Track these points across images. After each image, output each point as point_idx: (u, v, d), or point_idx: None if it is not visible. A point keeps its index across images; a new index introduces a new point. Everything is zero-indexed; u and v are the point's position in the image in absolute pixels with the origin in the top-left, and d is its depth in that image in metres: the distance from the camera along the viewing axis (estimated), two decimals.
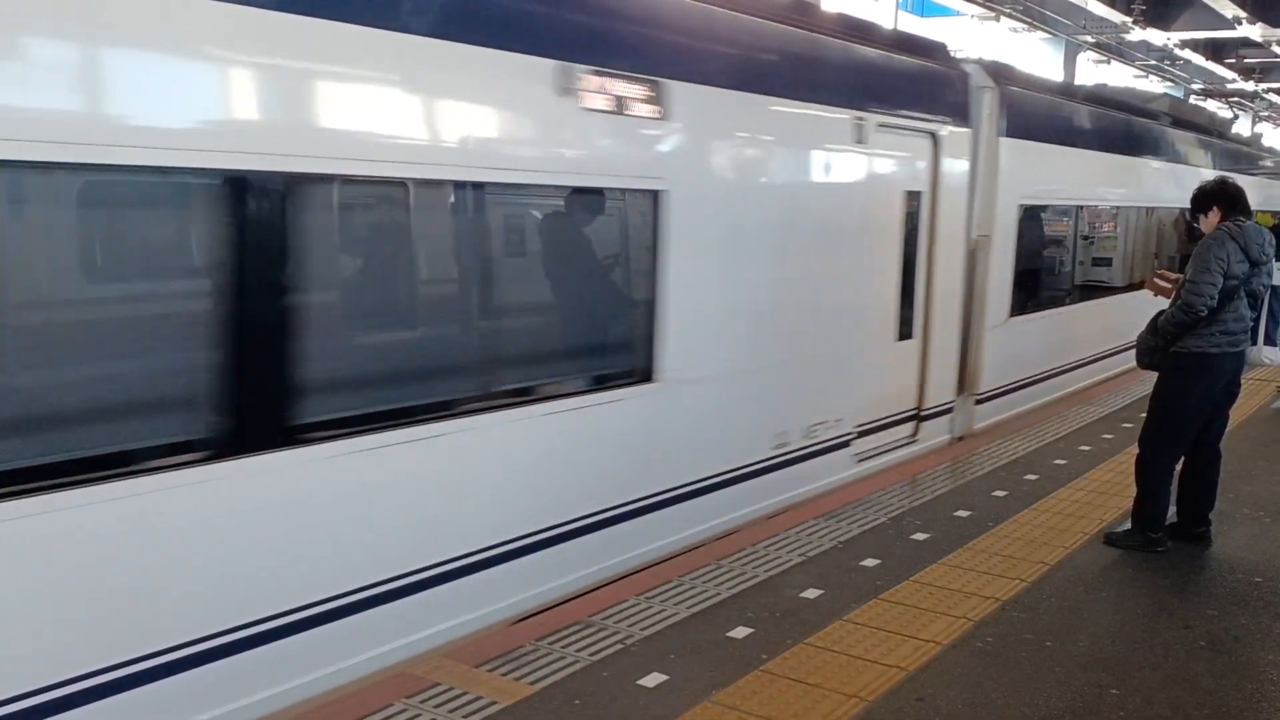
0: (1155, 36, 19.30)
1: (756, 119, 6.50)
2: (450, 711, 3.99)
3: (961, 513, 6.56)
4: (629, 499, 5.83)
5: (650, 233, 5.82)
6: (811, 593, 5.21)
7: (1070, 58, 21.54)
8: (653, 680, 4.26)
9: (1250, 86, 25.58)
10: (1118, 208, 12.91)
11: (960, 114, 8.68)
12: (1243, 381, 6.29)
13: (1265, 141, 26.15)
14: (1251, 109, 30.16)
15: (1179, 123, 14.58)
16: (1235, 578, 5.68)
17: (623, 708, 4.06)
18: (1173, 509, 6.16)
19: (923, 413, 8.56)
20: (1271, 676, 4.52)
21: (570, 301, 5.95)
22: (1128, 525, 6.14)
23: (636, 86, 5.53)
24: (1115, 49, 21.52)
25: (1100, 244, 12.85)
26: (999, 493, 7.03)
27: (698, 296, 6.12)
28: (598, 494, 5.67)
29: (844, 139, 7.20)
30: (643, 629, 4.74)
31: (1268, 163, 19.89)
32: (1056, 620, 4.99)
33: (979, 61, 9.44)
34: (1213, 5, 17.19)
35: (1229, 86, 23.49)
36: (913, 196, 8.16)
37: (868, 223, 7.59)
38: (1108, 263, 13.06)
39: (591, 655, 4.47)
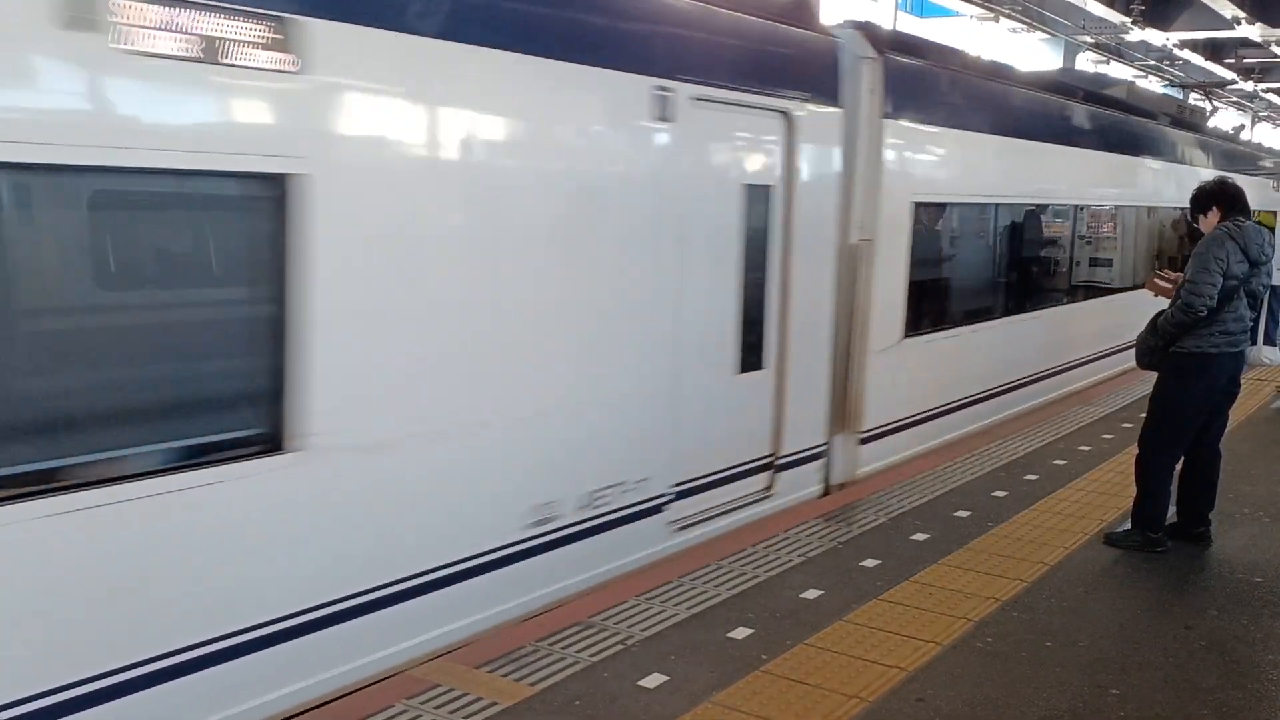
0: (1154, 37, 19.31)
1: (477, 80, 4.74)
2: (451, 713, 3.99)
3: (961, 513, 6.56)
4: (244, 625, 4.08)
5: (278, 231, 4.08)
6: (811, 593, 5.21)
7: (1069, 58, 21.56)
8: (653, 681, 4.26)
9: (1250, 86, 25.58)
10: (1053, 206, 11.06)
11: (826, 90, 6.98)
12: (1242, 381, 6.30)
13: (1247, 136, 24.38)
14: (1251, 109, 30.17)
15: (1139, 112, 13.02)
16: (1235, 578, 5.68)
17: (623, 708, 4.06)
18: (1172, 509, 6.16)
19: (780, 460, 6.88)
20: (1272, 676, 4.52)
21: (110, 337, 4.00)
22: (1127, 525, 6.14)
23: (243, 24, 3.85)
24: (1114, 49, 21.52)
25: (1042, 246, 11.06)
26: (999, 493, 7.03)
27: (373, 325, 4.41)
28: (173, 624, 3.90)
29: (633, 114, 5.49)
30: (643, 629, 4.74)
31: (1267, 163, 19.64)
32: (1056, 620, 4.99)
33: (859, 26, 7.65)
34: (1212, 5, 17.19)
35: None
36: (757, 192, 6.44)
37: (680, 225, 5.80)
38: (1052, 269, 11.26)
39: (592, 656, 4.47)
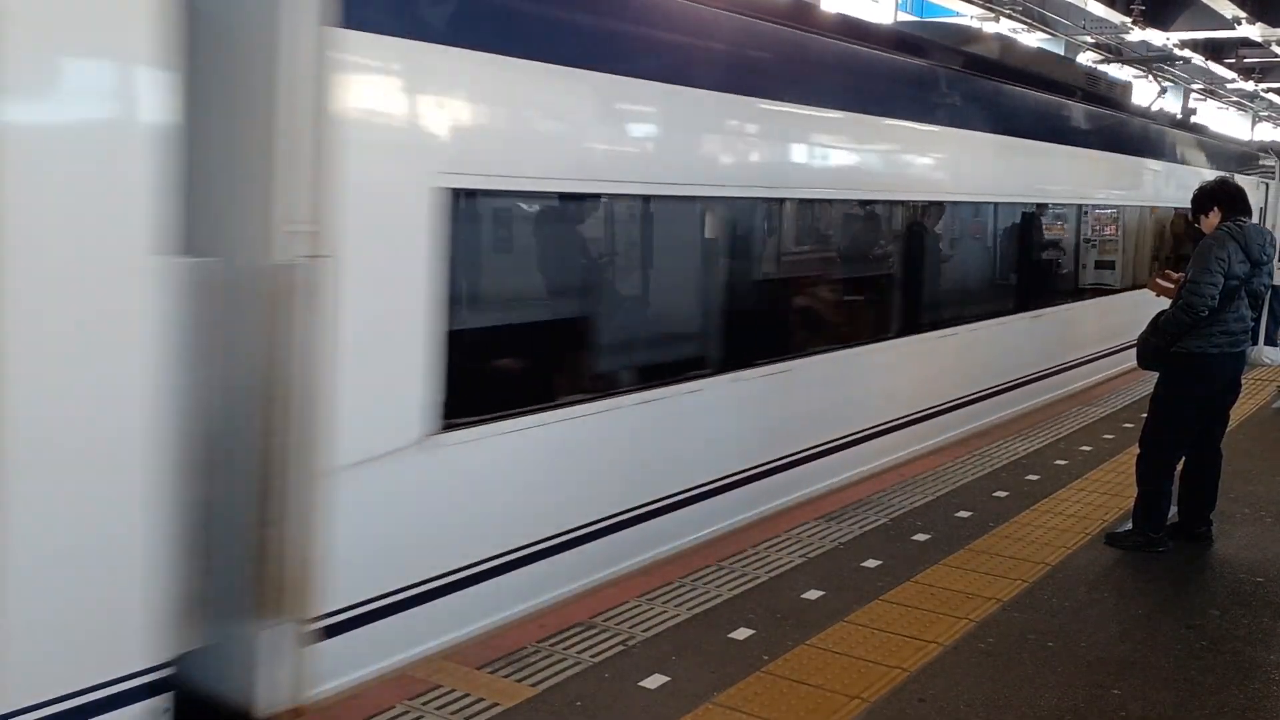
0: (1155, 37, 19.30)
1: None
2: (452, 714, 3.99)
3: (962, 513, 6.55)
4: None
5: None
6: (813, 594, 5.21)
7: (1070, 58, 21.54)
8: (654, 682, 4.26)
9: (1250, 86, 25.58)
10: (818, 201, 7.40)
11: None
12: (1243, 381, 6.30)
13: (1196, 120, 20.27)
14: (1251, 109, 30.15)
15: (1017, 77, 9.82)
16: (1236, 577, 5.68)
17: (624, 709, 4.06)
18: (1174, 509, 6.16)
19: None
20: (1274, 676, 4.52)
21: None
22: (1129, 525, 6.14)
23: None
24: (1115, 49, 21.51)
25: (799, 265, 7.51)
26: (1000, 493, 7.02)
27: None
28: None
29: None
30: (644, 630, 4.74)
31: (1264, 162, 19.27)
32: (1058, 621, 4.99)
33: None
34: (1212, 5, 17.18)
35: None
36: None
37: None
38: (820, 295, 7.70)
39: (593, 657, 4.47)
